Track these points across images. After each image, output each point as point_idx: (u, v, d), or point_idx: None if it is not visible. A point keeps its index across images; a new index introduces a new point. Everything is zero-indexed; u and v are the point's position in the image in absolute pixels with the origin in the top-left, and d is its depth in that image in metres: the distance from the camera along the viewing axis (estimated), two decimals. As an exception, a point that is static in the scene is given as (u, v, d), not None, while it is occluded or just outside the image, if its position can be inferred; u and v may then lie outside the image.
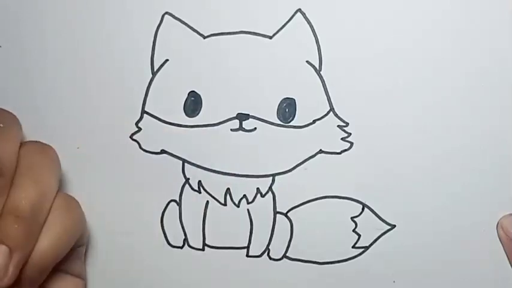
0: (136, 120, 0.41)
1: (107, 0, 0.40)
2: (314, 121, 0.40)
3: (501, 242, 0.40)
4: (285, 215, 0.41)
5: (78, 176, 0.41)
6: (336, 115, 0.40)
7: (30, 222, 0.34)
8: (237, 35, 0.39)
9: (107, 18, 0.40)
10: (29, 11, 0.40)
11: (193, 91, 0.40)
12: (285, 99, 0.40)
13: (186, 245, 0.42)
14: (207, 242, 0.42)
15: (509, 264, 0.40)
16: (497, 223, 0.40)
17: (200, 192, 0.41)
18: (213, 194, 0.41)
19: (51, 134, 0.41)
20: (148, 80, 0.40)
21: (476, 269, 0.40)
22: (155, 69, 0.40)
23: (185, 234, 0.42)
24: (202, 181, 0.41)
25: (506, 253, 0.40)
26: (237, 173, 0.41)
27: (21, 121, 0.38)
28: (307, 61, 0.39)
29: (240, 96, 0.40)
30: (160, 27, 0.40)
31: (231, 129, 0.40)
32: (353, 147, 0.40)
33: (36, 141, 0.38)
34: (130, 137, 0.41)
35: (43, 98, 0.41)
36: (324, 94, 0.40)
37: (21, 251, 0.33)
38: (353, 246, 0.41)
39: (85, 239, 0.40)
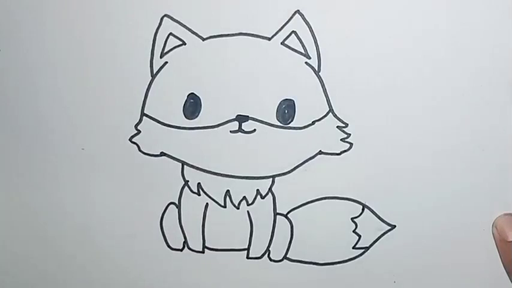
0: (136, 122, 0.41)
1: (106, 3, 0.40)
2: (313, 122, 0.40)
3: (495, 241, 0.40)
4: (285, 216, 0.41)
5: (78, 177, 0.41)
6: (335, 116, 0.40)
7: None
8: (236, 37, 0.40)
9: (106, 21, 0.40)
10: (29, 15, 0.40)
11: (192, 93, 0.40)
12: (284, 100, 0.40)
13: (185, 247, 0.42)
14: (207, 245, 0.42)
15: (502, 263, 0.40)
16: (493, 222, 0.40)
17: (199, 195, 0.41)
18: (212, 196, 0.41)
19: (55, 134, 0.41)
20: (148, 83, 0.40)
21: (476, 268, 0.41)
22: (154, 72, 0.40)
23: (185, 237, 0.42)
24: (201, 183, 0.41)
25: (498, 251, 0.40)
26: (236, 174, 0.41)
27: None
28: (306, 62, 0.39)
29: (239, 98, 0.40)
30: (159, 29, 0.40)
31: (230, 131, 0.40)
32: (352, 148, 0.40)
33: None
34: (130, 139, 0.41)
35: (44, 100, 0.41)
36: (323, 95, 0.40)
37: None
38: (353, 247, 0.41)
39: None
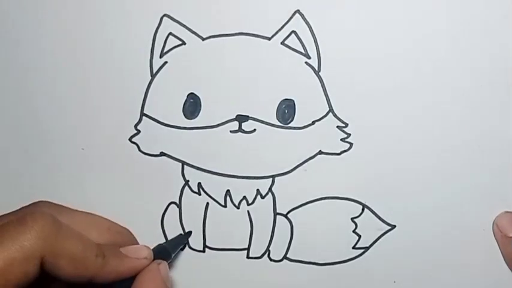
0: (135, 122, 0.41)
1: (106, 2, 0.40)
2: (313, 122, 0.40)
3: (496, 239, 0.40)
4: (285, 216, 0.41)
5: (78, 177, 0.41)
6: (335, 116, 0.40)
7: None
8: (235, 37, 0.39)
9: (106, 21, 0.40)
10: (28, 15, 0.40)
11: (192, 93, 0.40)
12: (284, 100, 0.40)
13: (186, 246, 0.42)
14: (207, 244, 0.42)
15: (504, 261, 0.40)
16: (493, 221, 0.40)
17: (200, 194, 0.41)
18: (213, 196, 0.41)
19: (55, 134, 0.41)
20: (147, 83, 0.40)
21: (476, 268, 0.41)
22: (154, 72, 0.40)
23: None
24: (202, 183, 0.41)
25: (500, 249, 0.40)
26: (236, 174, 0.41)
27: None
28: (306, 62, 0.39)
29: (239, 98, 0.40)
30: (159, 29, 0.40)
31: (230, 131, 0.40)
32: (352, 147, 0.40)
33: None
34: (130, 139, 0.41)
35: (43, 100, 0.41)
36: (323, 95, 0.40)
37: None
38: (353, 247, 0.41)
39: None
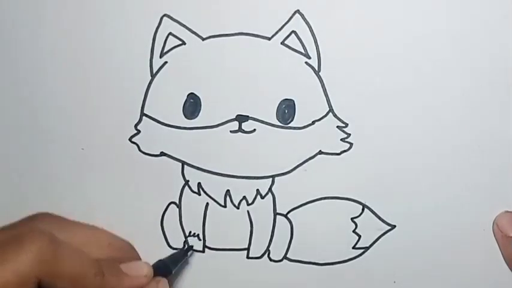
0: (136, 122, 0.41)
1: (106, 2, 0.40)
2: (313, 122, 0.40)
3: (496, 239, 0.40)
4: (285, 216, 0.41)
5: (79, 178, 0.41)
6: (335, 116, 0.40)
7: None
8: (235, 37, 0.40)
9: (106, 21, 0.40)
10: (28, 14, 0.40)
11: (192, 93, 0.40)
12: (284, 100, 0.40)
13: (186, 246, 0.42)
14: (207, 244, 0.42)
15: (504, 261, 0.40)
16: (493, 221, 0.40)
17: (200, 194, 0.41)
18: (212, 196, 0.41)
19: (55, 134, 0.41)
20: (147, 83, 0.40)
21: (476, 268, 0.41)
22: (154, 72, 0.40)
23: (185, 236, 0.42)
24: (202, 183, 0.41)
25: (500, 249, 0.40)
26: (236, 174, 0.41)
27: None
28: (306, 62, 0.39)
29: (239, 98, 0.40)
30: (159, 29, 0.40)
31: (230, 131, 0.40)
32: (352, 147, 0.40)
33: None
34: (130, 139, 0.41)
35: (43, 100, 0.41)
36: (323, 95, 0.40)
37: None
38: (353, 247, 0.41)
39: None
